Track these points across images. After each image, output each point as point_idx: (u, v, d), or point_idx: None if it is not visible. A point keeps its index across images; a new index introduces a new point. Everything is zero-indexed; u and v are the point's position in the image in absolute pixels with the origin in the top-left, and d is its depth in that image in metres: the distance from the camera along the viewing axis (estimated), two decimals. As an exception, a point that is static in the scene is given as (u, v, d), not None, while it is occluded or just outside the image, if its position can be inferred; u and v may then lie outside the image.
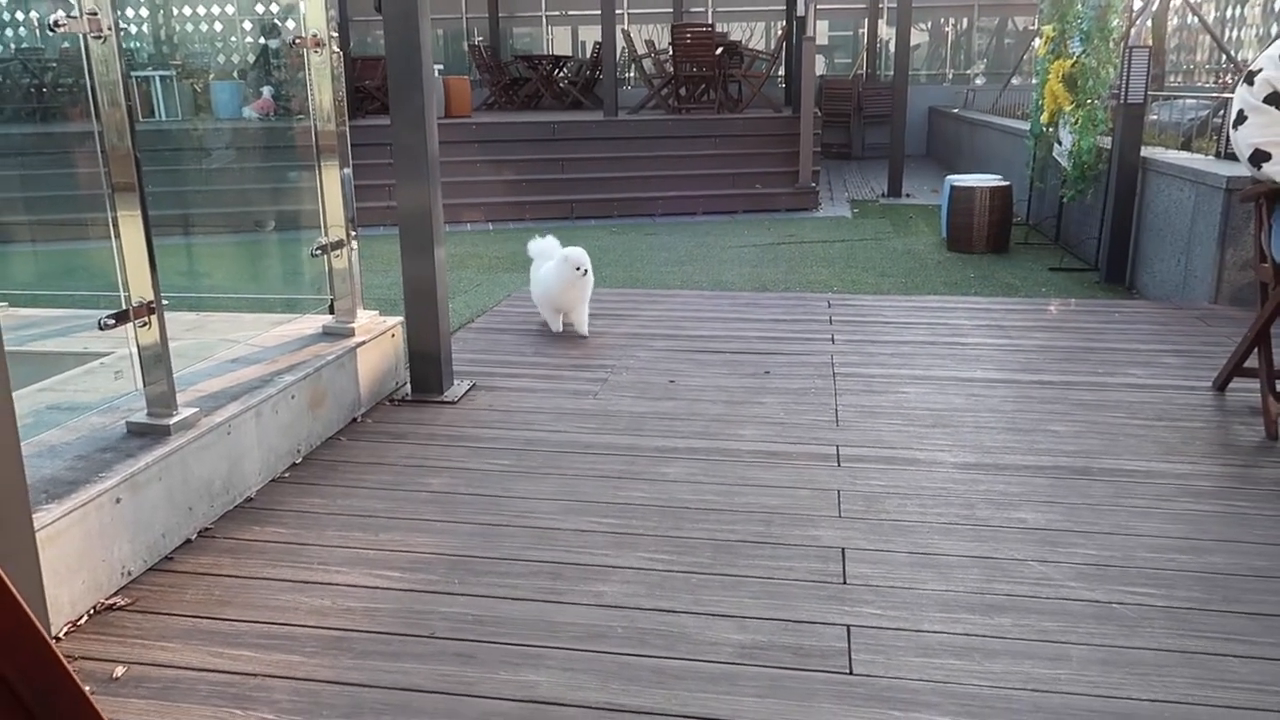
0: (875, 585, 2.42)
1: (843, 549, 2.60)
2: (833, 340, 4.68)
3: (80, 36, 2.51)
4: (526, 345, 4.67)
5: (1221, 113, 6.47)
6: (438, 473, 3.16)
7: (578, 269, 4.58)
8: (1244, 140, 3.44)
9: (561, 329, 4.81)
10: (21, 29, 11.75)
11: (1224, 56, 9.65)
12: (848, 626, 2.24)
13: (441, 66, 13.94)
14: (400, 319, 4.00)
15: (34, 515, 2.11)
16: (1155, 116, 7.51)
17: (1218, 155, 5.87)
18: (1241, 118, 3.44)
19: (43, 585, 2.10)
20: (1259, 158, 3.40)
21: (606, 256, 7.66)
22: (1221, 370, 3.84)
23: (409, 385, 3.98)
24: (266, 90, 11.02)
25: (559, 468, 3.18)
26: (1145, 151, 6.20)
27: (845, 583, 2.43)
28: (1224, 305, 5.20)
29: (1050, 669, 2.07)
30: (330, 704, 1.99)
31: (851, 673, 2.07)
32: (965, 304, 5.50)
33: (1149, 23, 6.26)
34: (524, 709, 1.97)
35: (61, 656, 1.01)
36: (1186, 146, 6.55)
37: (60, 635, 2.23)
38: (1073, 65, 6.88)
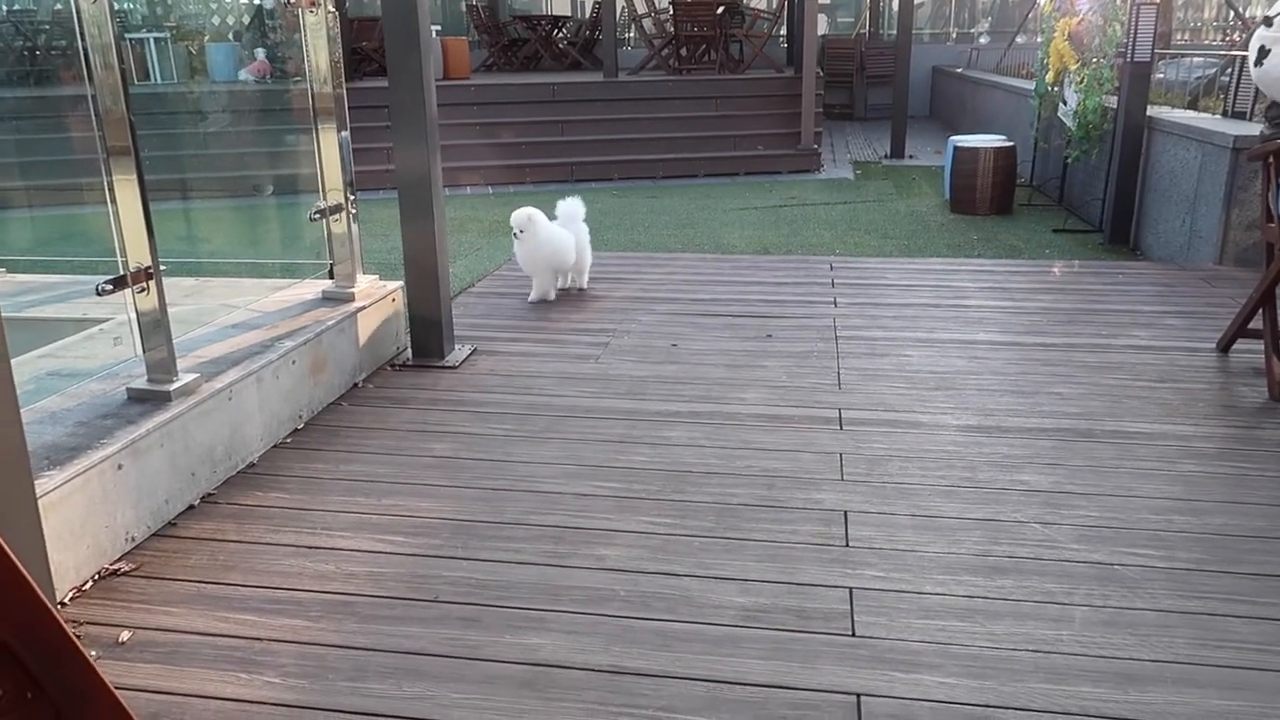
0: (877, 548, 2.42)
1: (845, 512, 2.61)
2: (835, 303, 4.66)
3: (71, -3, 2.47)
4: (527, 309, 4.65)
5: (1229, 71, 6.39)
6: (440, 438, 3.16)
7: (512, 231, 4.57)
8: (1269, 75, 3.39)
9: (554, 296, 4.77)
10: (13, -10, 11.61)
11: (1231, 14, 9.52)
12: (850, 589, 2.25)
13: (439, 27, 13.77)
14: (400, 284, 3.98)
15: (36, 482, 2.11)
16: (1161, 75, 7.43)
17: (1225, 114, 5.80)
18: (1264, 52, 3.38)
19: (46, 551, 2.10)
20: None
21: (607, 219, 7.61)
22: (1225, 332, 3.83)
23: (409, 350, 3.96)
24: (260, 52, 10.89)
25: (561, 432, 3.17)
26: (1151, 111, 6.13)
27: (848, 545, 2.44)
28: (1229, 266, 5.17)
29: (1052, 630, 2.08)
30: (335, 668, 2.00)
31: (854, 634, 2.08)
32: (968, 266, 5.47)
33: (1157, -21, 6.15)
34: (528, 671, 1.98)
35: (66, 626, 1.00)
36: (1193, 105, 6.48)
37: (65, 601, 2.24)
38: (1079, 23, 6.78)
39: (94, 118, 2.59)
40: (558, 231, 4.67)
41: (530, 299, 4.78)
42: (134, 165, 2.58)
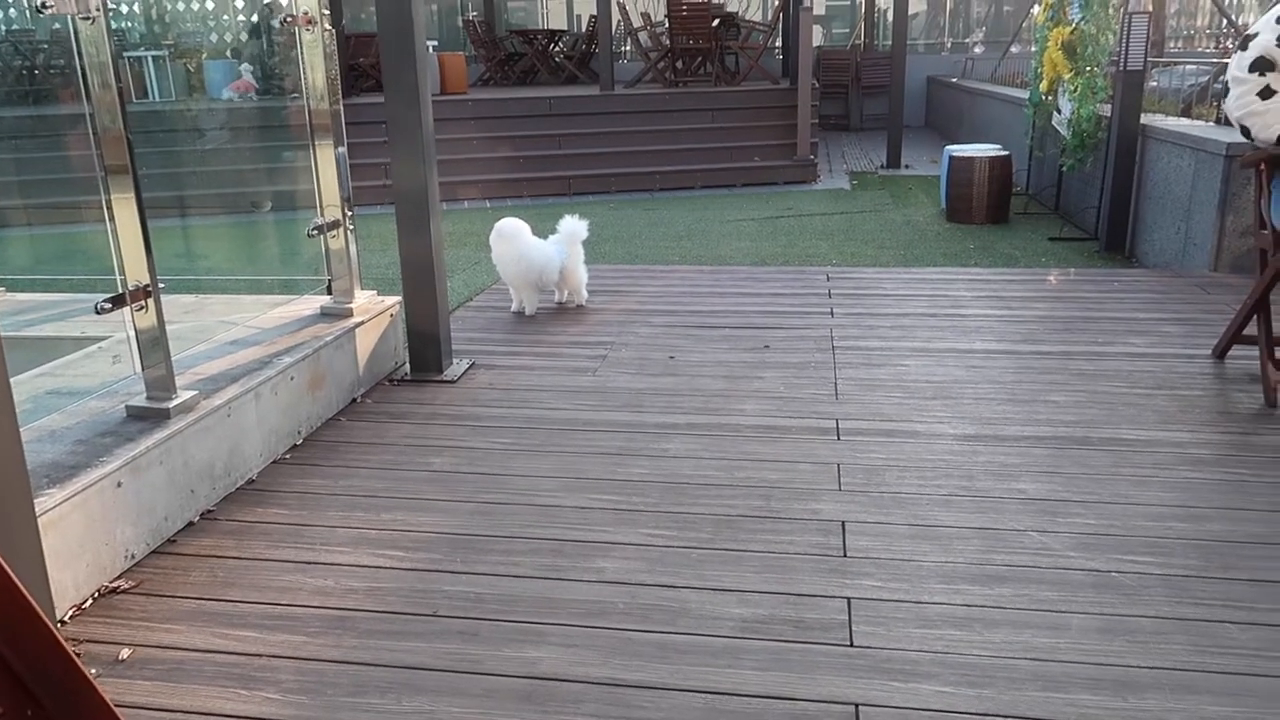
0: (875, 558, 2.43)
1: (843, 522, 2.61)
2: (832, 314, 4.67)
3: (69, 17, 2.49)
4: (525, 323, 4.66)
5: (1221, 78, 6.42)
6: (438, 452, 3.16)
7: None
8: (1230, 112, 3.44)
9: (531, 311, 4.79)
10: (12, 10, 11.65)
11: (1224, 21, 9.58)
12: (848, 599, 2.25)
13: (436, 43, 13.84)
14: (398, 298, 3.99)
15: (35, 500, 2.11)
16: (1155, 83, 7.46)
17: (1218, 122, 5.83)
18: (1226, 89, 3.43)
19: (46, 569, 2.11)
20: (1246, 130, 3.39)
21: (605, 232, 7.63)
22: (1221, 338, 3.84)
23: (408, 365, 3.98)
24: (245, 69, 10.92)
25: (559, 445, 3.18)
26: (1145, 119, 6.16)
27: (846, 555, 2.44)
28: (1224, 273, 5.19)
29: (1050, 638, 2.08)
30: (335, 683, 2.00)
31: (852, 644, 2.08)
32: (965, 275, 5.49)
33: (1149, -12, 6.19)
34: (527, 685, 1.98)
35: (67, 644, 1.01)
36: (1187, 113, 6.51)
37: (65, 619, 2.24)
38: (1072, 32, 6.82)
39: (92, 136, 2.60)
40: (540, 246, 4.69)
41: (512, 309, 4.83)
42: (132, 183, 2.59)
